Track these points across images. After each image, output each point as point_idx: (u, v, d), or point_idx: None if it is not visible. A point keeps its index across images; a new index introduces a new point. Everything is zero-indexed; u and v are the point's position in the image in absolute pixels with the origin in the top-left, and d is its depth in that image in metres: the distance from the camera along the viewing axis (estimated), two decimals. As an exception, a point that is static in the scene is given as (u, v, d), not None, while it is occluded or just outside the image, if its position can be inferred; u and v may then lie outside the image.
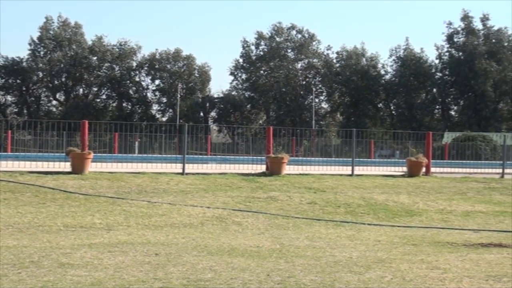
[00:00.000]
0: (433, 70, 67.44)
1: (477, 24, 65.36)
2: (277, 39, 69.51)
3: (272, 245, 9.12)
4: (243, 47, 70.35)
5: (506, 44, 64.09)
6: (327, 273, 7.05)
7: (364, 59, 68.80)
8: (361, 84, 66.91)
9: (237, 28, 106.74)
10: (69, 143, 24.23)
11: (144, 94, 70.75)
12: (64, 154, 17.80)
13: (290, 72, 68.90)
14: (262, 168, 19.07)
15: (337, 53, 69.24)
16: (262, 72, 70.61)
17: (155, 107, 71.68)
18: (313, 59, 69.97)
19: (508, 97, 65.20)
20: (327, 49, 70.12)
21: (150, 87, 70.94)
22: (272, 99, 69.19)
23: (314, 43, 69.91)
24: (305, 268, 7.34)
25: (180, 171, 17.99)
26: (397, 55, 68.04)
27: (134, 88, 70.47)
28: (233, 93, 71.35)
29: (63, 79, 68.76)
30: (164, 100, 70.18)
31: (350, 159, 20.51)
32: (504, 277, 6.95)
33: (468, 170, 22.60)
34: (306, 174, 18.70)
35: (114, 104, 71.46)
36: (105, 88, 70.24)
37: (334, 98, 71.42)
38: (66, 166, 16.98)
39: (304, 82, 70.41)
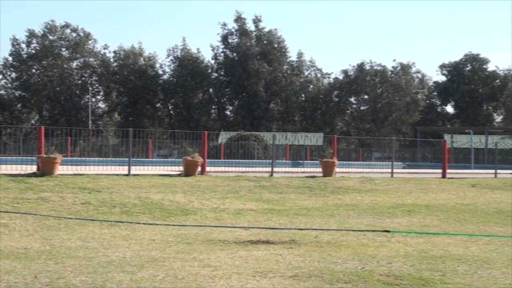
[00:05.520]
0: (210, 71, 69.04)
1: (250, 26, 68.03)
2: (50, 37, 67.47)
3: (41, 247, 8.76)
4: (13, 45, 67.71)
5: (276, 45, 67.17)
6: (99, 274, 6.93)
7: (142, 59, 68.80)
8: (139, 83, 66.80)
9: (6, 26, 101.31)
10: None
11: None
12: None
13: (64, 71, 67.04)
14: (33, 168, 18.27)
15: (114, 52, 68.70)
16: (34, 71, 68.30)
17: None
18: (89, 58, 68.68)
19: (278, 98, 68.46)
20: (104, 48, 69.45)
21: None
22: (46, 98, 67.05)
23: (90, 42, 68.80)
24: (76, 269, 7.17)
25: None
26: (175, 55, 68.82)
27: None
28: (1, 92, 68.71)
29: None
30: None
31: (127, 158, 20.32)
32: (270, 273, 7.23)
33: (241, 169, 23.29)
34: (81, 174, 18.21)
35: None
36: None
37: (111, 98, 70.66)
38: None
39: (80, 82, 68.88)
